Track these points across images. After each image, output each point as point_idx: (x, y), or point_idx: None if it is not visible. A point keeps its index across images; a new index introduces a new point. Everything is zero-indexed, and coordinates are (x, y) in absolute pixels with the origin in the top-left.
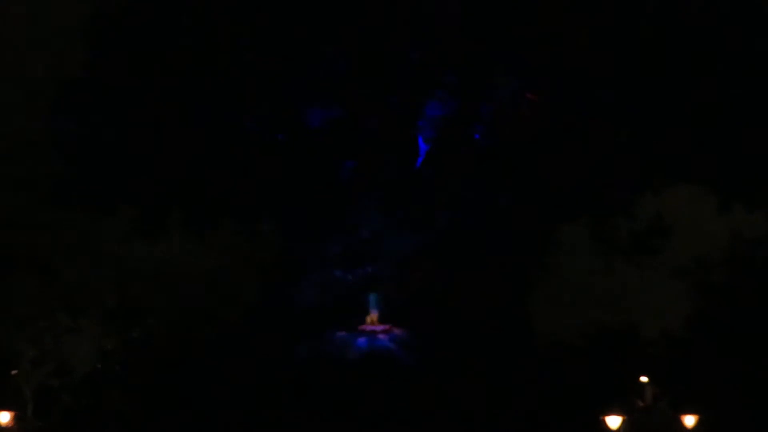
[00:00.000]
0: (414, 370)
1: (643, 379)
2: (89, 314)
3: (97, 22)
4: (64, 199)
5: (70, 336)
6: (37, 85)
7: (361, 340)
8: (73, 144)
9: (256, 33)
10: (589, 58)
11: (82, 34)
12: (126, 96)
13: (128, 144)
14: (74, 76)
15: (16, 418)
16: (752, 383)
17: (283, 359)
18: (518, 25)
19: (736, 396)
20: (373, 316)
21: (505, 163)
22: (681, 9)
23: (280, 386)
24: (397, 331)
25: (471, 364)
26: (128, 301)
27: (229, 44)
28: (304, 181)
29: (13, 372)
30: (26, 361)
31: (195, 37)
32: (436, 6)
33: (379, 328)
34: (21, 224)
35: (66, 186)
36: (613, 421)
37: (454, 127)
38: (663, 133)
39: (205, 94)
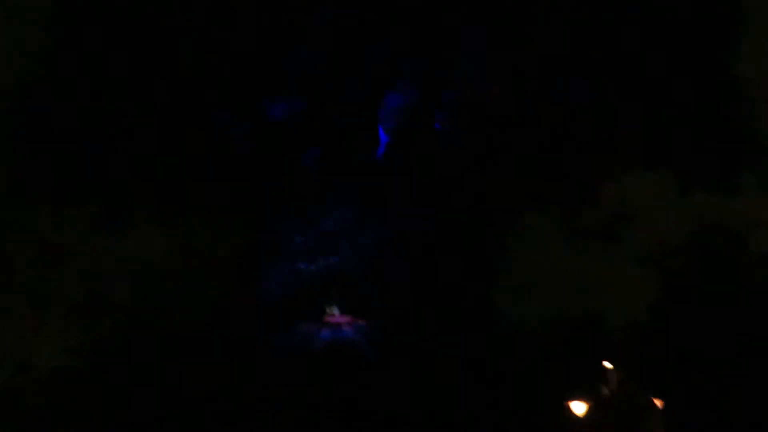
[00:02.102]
0: (378, 361)
1: (607, 365)
2: (52, 310)
3: (57, 17)
4: (26, 193)
5: (32, 333)
6: None
7: (325, 331)
8: (35, 139)
9: (217, 25)
10: (548, 44)
11: (41, 27)
12: (88, 89)
13: (91, 138)
14: (34, 70)
15: None
16: (717, 368)
17: (248, 351)
18: (476, 12)
19: (701, 381)
20: (336, 308)
21: (468, 152)
22: None
23: (247, 379)
24: (360, 322)
25: (435, 354)
26: (93, 297)
27: (190, 37)
28: (267, 172)
29: None
30: None
31: (156, 29)
32: None
33: (343, 319)
34: None
35: (28, 180)
36: (578, 407)
37: (414, 117)
38: (623, 120)
39: (167, 87)
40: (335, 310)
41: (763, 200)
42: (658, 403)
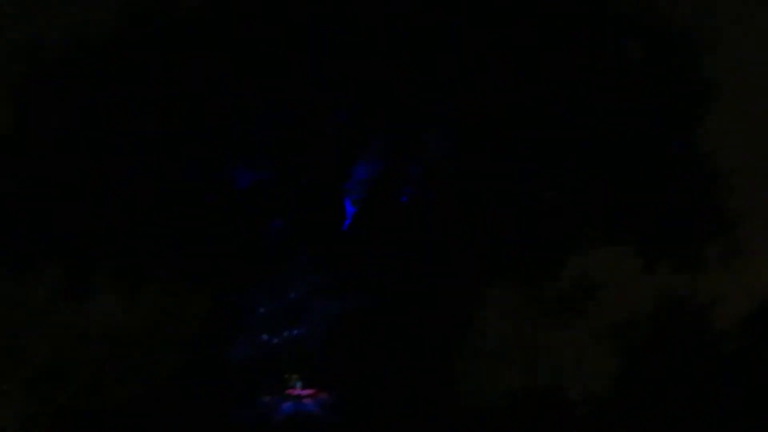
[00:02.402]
0: None
1: None
2: (11, 378)
3: (24, 79)
4: None
5: None
6: None
7: (287, 404)
8: None
9: (182, 93)
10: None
11: (4, 89)
12: (51, 152)
13: (51, 202)
14: None
15: None
16: None
17: (209, 423)
18: (446, 87)
19: None
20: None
21: (433, 225)
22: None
23: None
24: (323, 395)
25: (398, 427)
26: (52, 365)
27: (155, 105)
28: (231, 242)
29: None
30: None
31: (123, 93)
32: (363, 66)
33: (306, 392)
34: None
35: None
36: None
37: (381, 189)
38: (586, 194)
39: (130, 154)
40: (298, 383)
41: (727, 276)
42: None
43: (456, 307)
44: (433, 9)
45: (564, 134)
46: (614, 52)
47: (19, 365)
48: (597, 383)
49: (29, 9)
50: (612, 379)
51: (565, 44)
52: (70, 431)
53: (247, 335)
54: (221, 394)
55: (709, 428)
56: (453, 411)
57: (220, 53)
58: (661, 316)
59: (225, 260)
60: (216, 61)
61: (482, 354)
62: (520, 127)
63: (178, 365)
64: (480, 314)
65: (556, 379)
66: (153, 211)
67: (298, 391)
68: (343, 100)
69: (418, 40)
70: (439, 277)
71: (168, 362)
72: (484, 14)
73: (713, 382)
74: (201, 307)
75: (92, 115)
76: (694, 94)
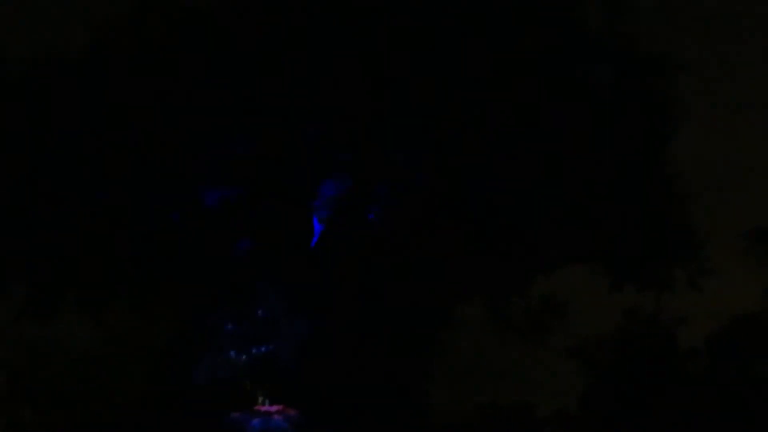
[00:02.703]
0: None
1: None
2: None
3: None
4: None
5: None
6: None
7: (255, 421)
8: None
9: (150, 111)
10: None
11: None
12: (15, 172)
13: (18, 221)
14: None
15: None
16: None
17: None
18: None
19: None
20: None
21: (401, 243)
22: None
23: None
24: (291, 412)
25: None
26: (17, 384)
27: (122, 123)
28: (199, 260)
29: None
30: None
31: (88, 113)
32: (331, 85)
33: (274, 408)
34: None
35: None
36: None
37: (348, 207)
38: (554, 213)
39: (96, 170)
40: (266, 400)
41: (693, 296)
42: None
43: (424, 325)
44: (402, 31)
45: (532, 155)
46: (584, 75)
47: None
48: (565, 400)
49: None
50: (580, 396)
51: (535, 66)
52: None
53: (215, 353)
54: (189, 411)
55: None
56: (422, 428)
57: (187, 72)
58: (628, 334)
59: (191, 279)
60: (183, 81)
61: (451, 371)
62: (488, 147)
63: (144, 383)
64: (448, 332)
65: (524, 396)
66: (119, 230)
67: (266, 407)
68: (310, 117)
69: (384, 60)
70: (406, 296)
71: (134, 380)
72: (455, 37)
73: (680, 399)
74: (167, 325)
75: (60, 137)
76: (662, 115)
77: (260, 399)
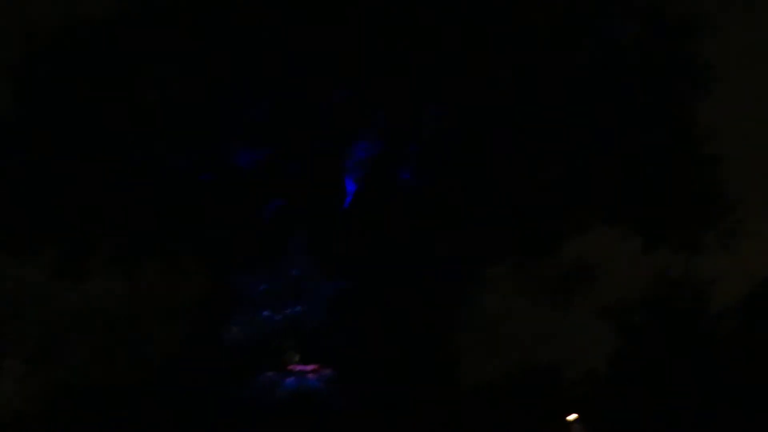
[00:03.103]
0: (343, 410)
1: (570, 417)
2: (12, 356)
3: (21, 61)
4: None
5: None
6: None
7: (289, 380)
8: None
9: (183, 72)
10: (515, 99)
11: (5, 76)
12: (49, 135)
13: (51, 184)
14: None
15: None
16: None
17: (211, 400)
18: (444, 65)
19: None
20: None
21: (433, 203)
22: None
23: (209, 428)
24: (325, 371)
25: (398, 404)
26: (52, 344)
27: (155, 82)
28: (231, 220)
29: None
30: None
31: (121, 73)
32: (361, 44)
33: (308, 368)
34: None
35: None
36: None
37: (381, 168)
38: (586, 174)
39: (129, 132)
40: (299, 359)
41: (725, 257)
42: None
43: (455, 287)
44: None
45: (563, 116)
46: (612, 37)
47: (19, 343)
48: (595, 362)
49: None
50: (610, 358)
51: (562, 29)
52: (71, 408)
53: (248, 313)
54: (222, 371)
55: (706, 407)
56: (451, 389)
57: (218, 32)
58: (659, 296)
59: (224, 239)
60: (215, 41)
61: (481, 333)
62: (520, 108)
63: (177, 343)
64: (479, 294)
65: (554, 357)
66: (152, 191)
67: (300, 366)
68: (342, 78)
69: (417, 19)
70: (438, 257)
71: (167, 340)
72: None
73: (710, 361)
74: (200, 285)
75: (91, 97)
76: (692, 77)
77: (294, 358)
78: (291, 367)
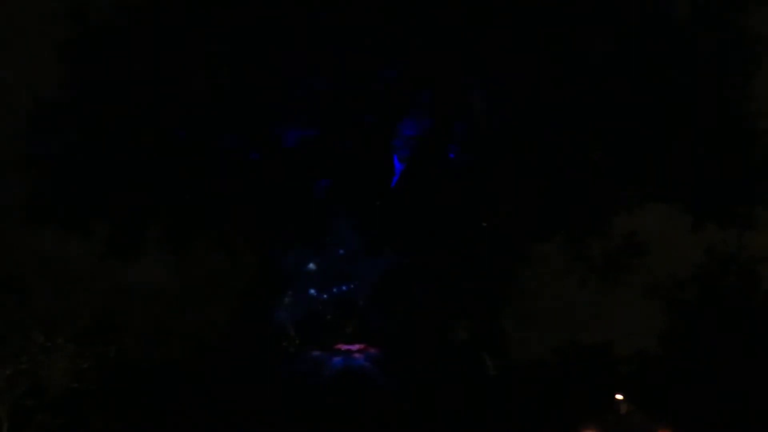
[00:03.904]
0: (390, 389)
1: (618, 396)
2: (64, 333)
3: (72, 42)
4: (38, 218)
5: (44, 355)
6: (11, 105)
7: (337, 359)
8: (47, 163)
9: (232, 53)
10: (563, 76)
11: (58, 53)
12: (100, 115)
13: (103, 163)
14: (50, 95)
15: None
16: (726, 399)
17: (259, 378)
18: (491, 43)
19: (710, 412)
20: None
21: (480, 182)
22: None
23: (258, 405)
24: (372, 350)
25: (447, 382)
26: (103, 321)
27: (204, 64)
28: (279, 200)
29: None
30: (1, 381)
31: (171, 56)
32: (409, 24)
33: (355, 347)
34: None
35: (40, 205)
36: None
37: (428, 147)
38: (635, 151)
39: (180, 113)
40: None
41: None
42: None
43: (504, 265)
44: None
45: (613, 92)
46: (662, 11)
47: (71, 321)
48: (645, 340)
49: None
50: (660, 335)
51: (612, 4)
52: (121, 385)
53: (296, 292)
54: (270, 349)
55: (758, 385)
56: (501, 366)
57: (268, 12)
58: (709, 273)
59: (272, 218)
60: (262, 19)
61: (530, 311)
62: (567, 83)
63: (227, 321)
64: (527, 271)
65: (604, 335)
66: (201, 171)
67: (347, 346)
68: (390, 57)
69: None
70: (486, 235)
71: (217, 318)
72: None
73: (762, 338)
74: (249, 264)
75: (140, 76)
76: (743, 50)
77: (342, 338)
78: (338, 346)
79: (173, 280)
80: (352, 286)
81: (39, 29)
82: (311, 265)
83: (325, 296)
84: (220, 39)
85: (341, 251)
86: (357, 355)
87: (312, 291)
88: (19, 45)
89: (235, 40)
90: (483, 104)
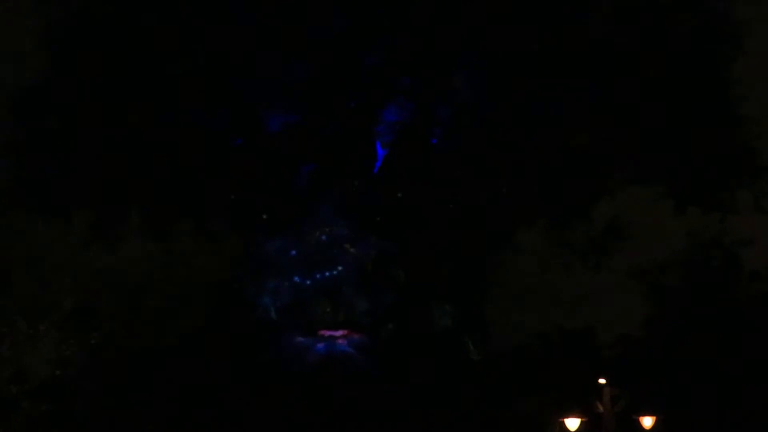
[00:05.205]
0: (373, 374)
1: (601, 381)
2: (47, 320)
3: (55, 27)
4: (19, 204)
5: (28, 342)
6: None
7: (320, 345)
8: (28, 149)
9: (215, 37)
10: (544, 62)
11: (40, 39)
12: (82, 99)
13: (84, 148)
14: (30, 81)
15: None
16: (709, 383)
17: (242, 363)
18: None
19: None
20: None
21: (462, 166)
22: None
23: (241, 391)
24: (355, 336)
25: (431, 367)
26: (85, 308)
27: (187, 48)
28: (262, 185)
29: None
30: None
31: (153, 40)
32: (391, 9)
33: (338, 333)
34: None
35: (21, 191)
36: (572, 423)
37: (411, 132)
38: (617, 136)
39: (162, 97)
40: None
41: (758, 218)
42: (650, 419)
43: (487, 250)
44: None
45: (593, 76)
46: None
47: (53, 307)
48: (628, 324)
49: None
50: (643, 320)
51: None
52: (104, 372)
53: (280, 278)
54: (254, 336)
55: (740, 368)
56: (484, 351)
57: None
58: (692, 257)
59: (256, 203)
60: (246, 8)
61: (513, 296)
62: (548, 68)
63: (209, 307)
64: (511, 257)
65: (587, 320)
66: (183, 155)
67: (330, 332)
68: (371, 42)
69: None
70: (468, 220)
71: (200, 305)
72: None
73: (744, 321)
74: (232, 249)
75: (121, 59)
76: (724, 36)
77: (324, 324)
78: (321, 332)
79: (155, 266)
80: (335, 272)
81: (20, 15)
82: (294, 251)
83: (308, 282)
84: (202, 25)
85: (324, 237)
86: (340, 341)
87: (295, 277)
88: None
89: (217, 27)
90: (466, 88)
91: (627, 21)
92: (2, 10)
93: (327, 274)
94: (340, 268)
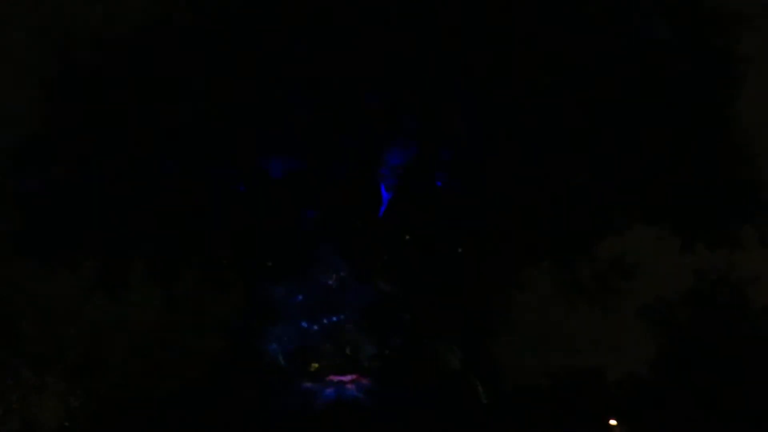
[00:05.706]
0: (382, 419)
1: (612, 422)
2: (54, 371)
3: (55, 76)
4: (25, 254)
5: (35, 393)
6: None
7: (329, 390)
8: (34, 199)
9: (216, 83)
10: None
11: (42, 88)
12: (87, 149)
13: (88, 198)
14: (35, 130)
15: None
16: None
17: (250, 411)
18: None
19: None
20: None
21: (468, 208)
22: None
23: None
24: (364, 380)
25: (439, 410)
26: (92, 357)
27: (187, 95)
28: (266, 231)
29: None
30: None
31: (155, 90)
32: (391, 51)
33: (347, 378)
34: None
35: (27, 241)
36: None
37: (415, 175)
38: (623, 174)
39: (164, 145)
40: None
41: (764, 253)
42: None
43: (493, 291)
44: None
45: (597, 115)
46: (645, 35)
47: (59, 358)
48: (636, 363)
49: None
50: (651, 359)
51: (591, 26)
52: (112, 422)
53: (286, 323)
54: (261, 382)
55: (749, 406)
56: (492, 391)
57: (248, 43)
58: (699, 295)
59: (260, 250)
60: (243, 51)
61: (521, 336)
62: (551, 108)
63: (217, 354)
64: (518, 297)
65: (595, 359)
66: (188, 203)
67: (339, 377)
68: (373, 85)
69: (445, 28)
70: (475, 262)
71: (206, 351)
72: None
73: (753, 359)
74: (238, 296)
75: (124, 110)
76: (727, 71)
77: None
78: (330, 377)
79: (161, 314)
80: (342, 316)
81: (24, 65)
82: (300, 297)
83: (315, 327)
84: (203, 71)
85: (330, 281)
86: (349, 386)
87: (302, 323)
88: (3, 81)
89: (221, 71)
90: (467, 129)
91: (628, 60)
92: (5, 60)
93: (334, 318)
94: (347, 311)
